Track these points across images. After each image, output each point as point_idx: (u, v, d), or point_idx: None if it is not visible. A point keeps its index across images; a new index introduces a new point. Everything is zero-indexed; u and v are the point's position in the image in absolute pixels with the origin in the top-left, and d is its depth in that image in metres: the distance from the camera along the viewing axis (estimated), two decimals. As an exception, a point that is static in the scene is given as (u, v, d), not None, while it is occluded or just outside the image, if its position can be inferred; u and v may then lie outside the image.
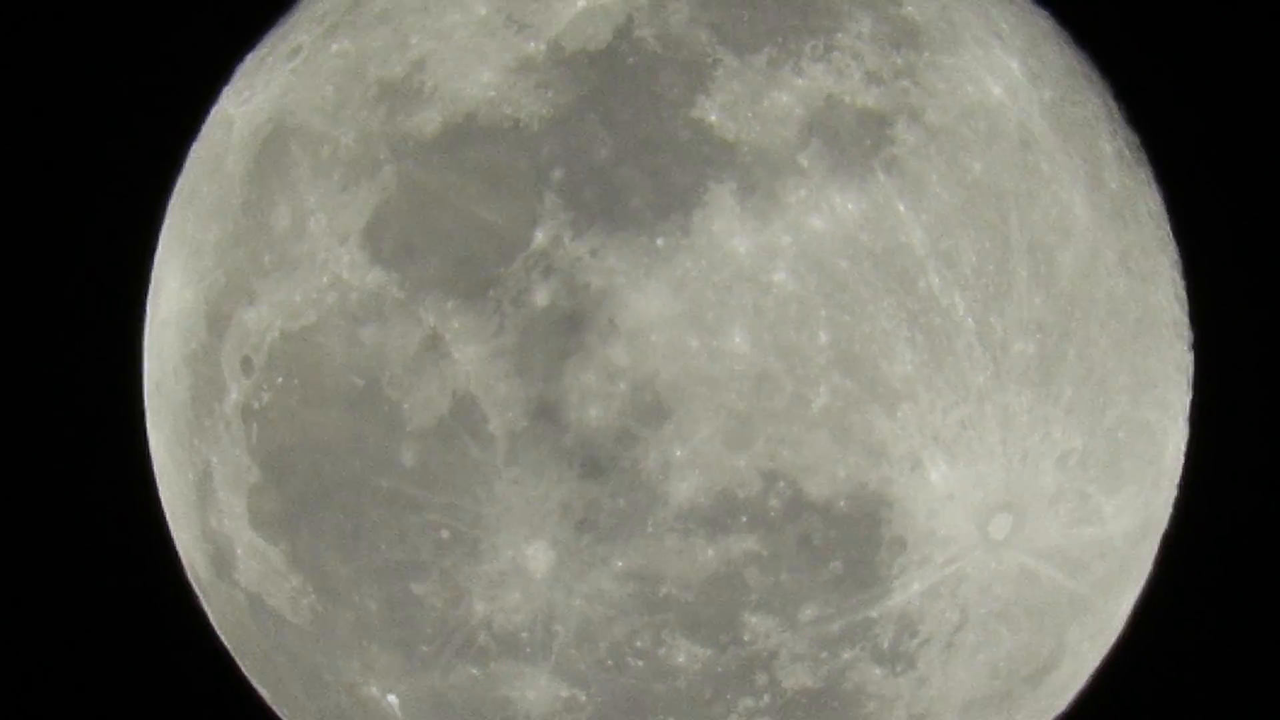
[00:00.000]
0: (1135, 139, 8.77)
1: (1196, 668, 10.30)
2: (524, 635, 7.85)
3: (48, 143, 10.44)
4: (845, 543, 7.66)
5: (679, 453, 7.52)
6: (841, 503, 7.60)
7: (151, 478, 9.10)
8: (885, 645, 7.96)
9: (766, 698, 7.98)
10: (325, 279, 7.90)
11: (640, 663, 7.91)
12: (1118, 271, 8.26)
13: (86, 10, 10.24)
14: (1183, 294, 8.79)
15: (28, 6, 10.29)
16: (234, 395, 8.23)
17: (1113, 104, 8.78)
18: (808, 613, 7.74)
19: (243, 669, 9.10)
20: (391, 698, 8.28)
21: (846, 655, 7.94)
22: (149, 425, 9.06)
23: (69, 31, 10.33)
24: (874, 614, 7.89)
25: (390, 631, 8.07)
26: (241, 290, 8.14)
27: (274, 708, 9.14)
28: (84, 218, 10.06)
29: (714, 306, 7.54)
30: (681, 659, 7.84)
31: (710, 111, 7.67)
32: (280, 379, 8.05)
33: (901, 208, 7.74)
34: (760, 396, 7.53)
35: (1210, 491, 9.34)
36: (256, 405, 8.13)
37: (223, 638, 9.06)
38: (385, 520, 7.86)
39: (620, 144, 7.67)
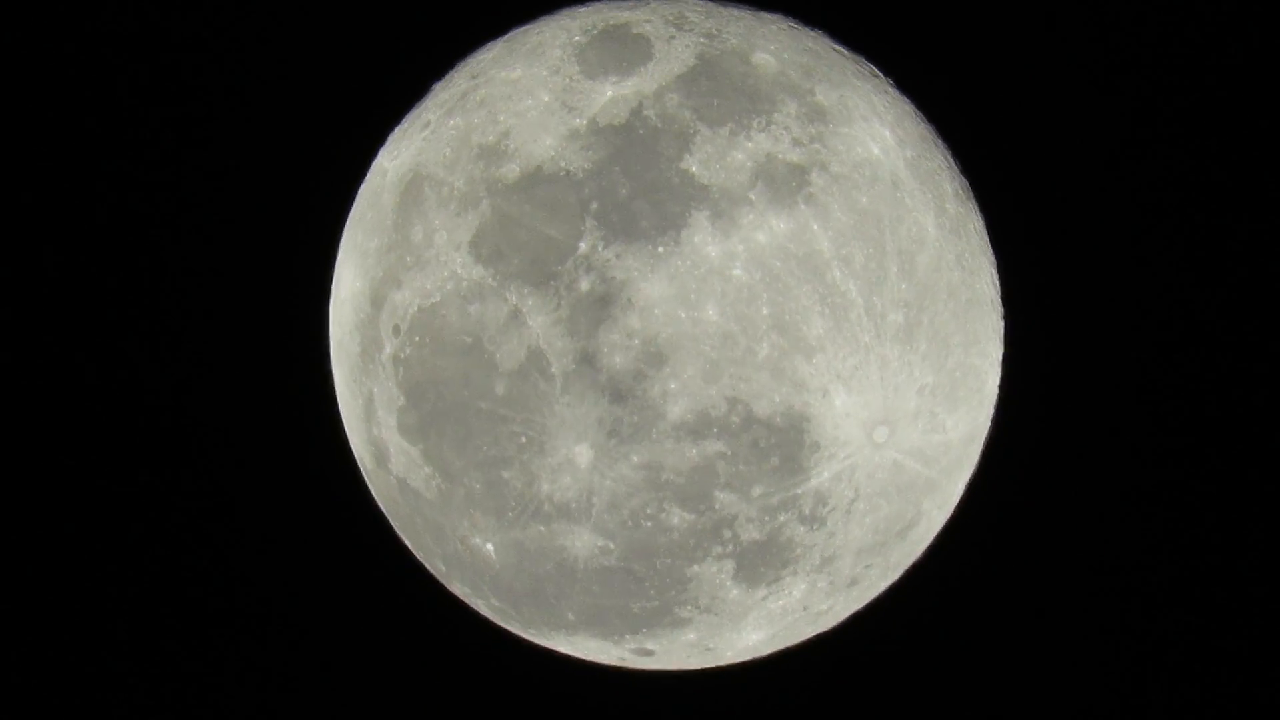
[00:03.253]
0: (965, 182, 9.05)
1: (1006, 524, 10.36)
2: (573, 505, 8.09)
3: (273, 186, 10.48)
4: (780, 445, 7.95)
5: (673, 386, 7.82)
6: (778, 418, 7.90)
7: (335, 401, 9.35)
8: (807, 512, 8.19)
9: (730, 546, 8.18)
10: (445, 273, 8.16)
11: (649, 523, 8.08)
12: (955, 268, 8.54)
13: (303, 102, 10.43)
14: (997, 283, 9.04)
15: (265, 101, 10.33)
16: (388, 349, 8.44)
17: (951, 159, 9.01)
18: (756, 490, 8.04)
19: (394, 527, 9.35)
20: (489, 545, 8.46)
21: (781, 518, 8.17)
22: (333, 367, 9.33)
23: (296, 120, 10.46)
24: (799, 491, 8.11)
25: (487, 502, 8.27)
26: (392, 280, 8.43)
27: (414, 552, 9.33)
28: (292, 233, 10.17)
29: (695, 290, 7.80)
30: (675, 520, 8.07)
31: (692, 164, 7.96)
32: (417, 338, 8.27)
33: (815, 226, 8.00)
34: (725, 349, 7.80)
35: (1014, 411, 9.34)
36: (402, 355, 8.35)
37: (381, 506, 9.34)
38: (485, 430, 8.09)
39: (634, 186, 7.93)
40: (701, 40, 8.36)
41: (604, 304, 7.77)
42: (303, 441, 10.01)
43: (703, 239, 7.79)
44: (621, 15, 8.64)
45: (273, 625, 10.47)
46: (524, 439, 7.96)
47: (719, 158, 7.92)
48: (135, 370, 10.35)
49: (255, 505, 10.50)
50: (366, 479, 9.33)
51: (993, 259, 9.02)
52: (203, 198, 10.36)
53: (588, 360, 7.78)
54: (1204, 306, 10.28)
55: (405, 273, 8.30)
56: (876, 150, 8.35)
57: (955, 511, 9.25)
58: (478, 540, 8.45)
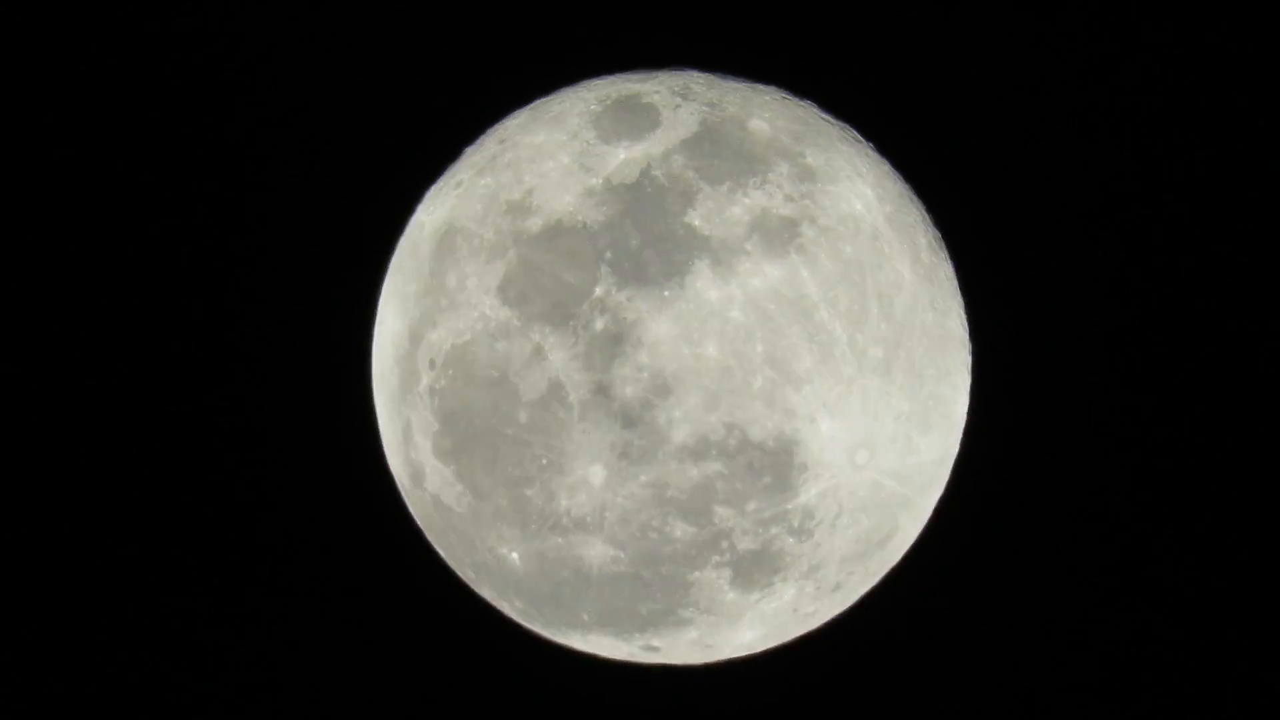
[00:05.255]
0: (938, 234, 9.27)
1: (973, 536, 10.47)
2: (588, 518, 8.31)
3: (322, 237, 10.61)
4: (772, 466, 8.18)
5: (677, 414, 8.07)
6: (770, 442, 8.13)
7: (376, 427, 9.53)
8: (796, 525, 8.42)
9: (727, 555, 8.41)
10: (476, 314, 8.40)
11: (655, 535, 8.30)
12: (928, 309, 8.80)
13: (351, 164, 10.61)
14: (965, 322, 9.28)
15: (318, 162, 10.52)
16: (424, 381, 8.67)
17: (925, 214, 9.24)
18: (751, 506, 8.26)
19: (429, 539, 9.51)
20: (514, 554, 8.67)
21: (774, 531, 8.39)
22: (375, 396, 9.51)
23: (344, 179, 10.62)
24: (789, 507, 8.34)
25: (513, 517, 8.49)
26: (429, 321, 8.68)
27: (447, 560, 9.49)
28: (339, 279, 10.22)
29: (697, 329, 8.04)
30: (679, 533, 8.30)
31: (695, 218, 8.19)
32: (450, 371, 8.51)
33: (805, 273, 8.23)
34: (723, 381, 8.04)
35: (979, 435, 9.50)
36: (437, 387, 8.59)
37: (417, 520, 9.50)
38: (510, 453, 8.31)
39: (644, 237, 8.15)
40: (704, 109, 8.58)
41: (617, 341, 7.96)
42: (347, 463, 10.15)
43: (704, 284, 7.99)
44: (633, 86, 8.87)
45: (322, 624, 10.61)
46: (545, 460, 8.15)
47: (719, 212, 8.12)
48: (202, 399, 10.49)
49: (306, 519, 10.66)
50: (404, 496, 9.44)
51: (961, 301, 9.21)
52: (262, 249, 10.50)
53: (602, 391, 7.97)
54: (1149, 345, 10.51)
55: (440, 314, 8.50)
56: (859, 206, 8.55)
57: (928, 524, 9.36)
58: (504, 550, 8.61)
